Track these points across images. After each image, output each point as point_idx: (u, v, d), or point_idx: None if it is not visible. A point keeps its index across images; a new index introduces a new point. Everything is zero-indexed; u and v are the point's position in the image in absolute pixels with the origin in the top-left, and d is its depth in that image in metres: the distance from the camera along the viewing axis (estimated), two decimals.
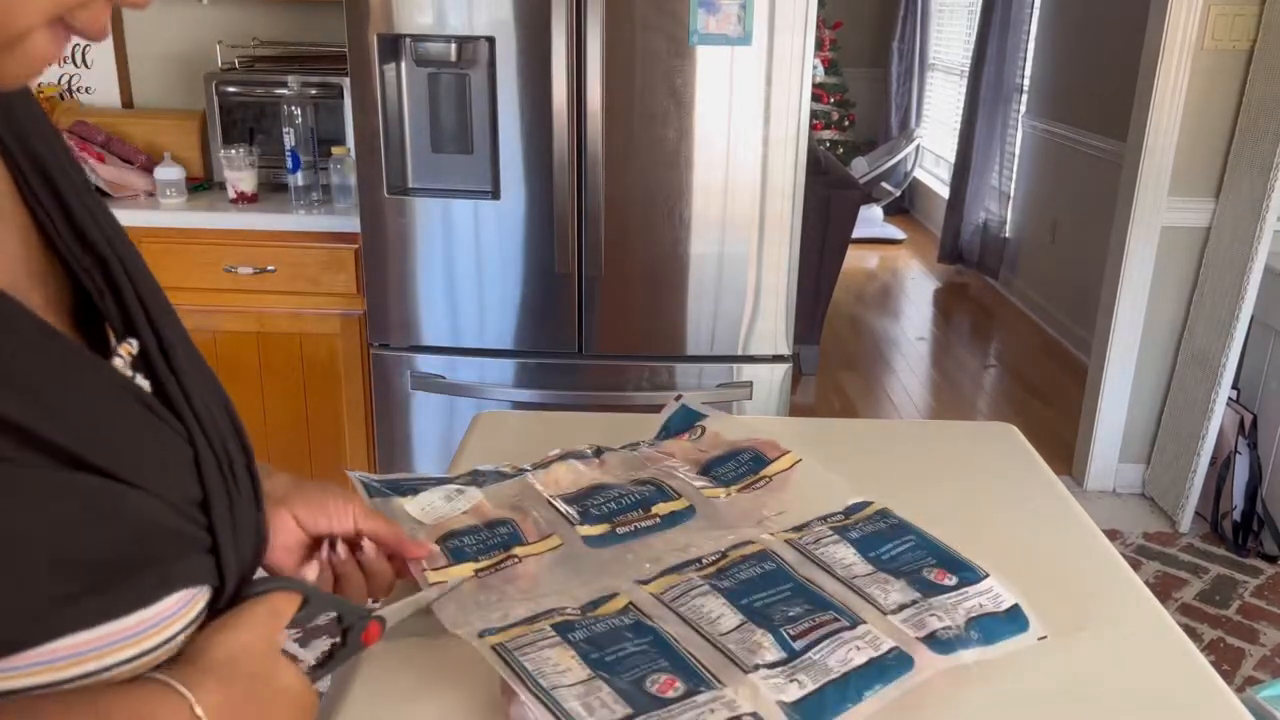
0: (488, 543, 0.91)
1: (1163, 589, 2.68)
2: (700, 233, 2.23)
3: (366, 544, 0.81)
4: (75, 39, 0.53)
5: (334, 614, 0.72)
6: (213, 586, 0.61)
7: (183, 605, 0.59)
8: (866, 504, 1.00)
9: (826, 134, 6.47)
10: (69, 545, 0.52)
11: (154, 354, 0.61)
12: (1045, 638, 0.83)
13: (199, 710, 0.57)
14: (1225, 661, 2.40)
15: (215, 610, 0.62)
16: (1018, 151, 5.25)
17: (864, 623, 0.80)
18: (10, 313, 0.53)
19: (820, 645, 0.77)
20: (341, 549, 0.80)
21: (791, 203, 2.21)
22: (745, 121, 2.16)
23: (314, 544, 0.80)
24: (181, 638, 0.59)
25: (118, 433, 0.56)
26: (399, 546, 0.84)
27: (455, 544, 0.90)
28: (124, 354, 0.60)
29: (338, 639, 0.73)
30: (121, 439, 0.56)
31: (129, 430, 0.57)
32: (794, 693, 0.73)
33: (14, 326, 0.52)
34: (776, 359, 2.33)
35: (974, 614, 0.83)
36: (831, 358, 4.36)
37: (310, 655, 0.71)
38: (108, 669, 0.55)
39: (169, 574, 0.57)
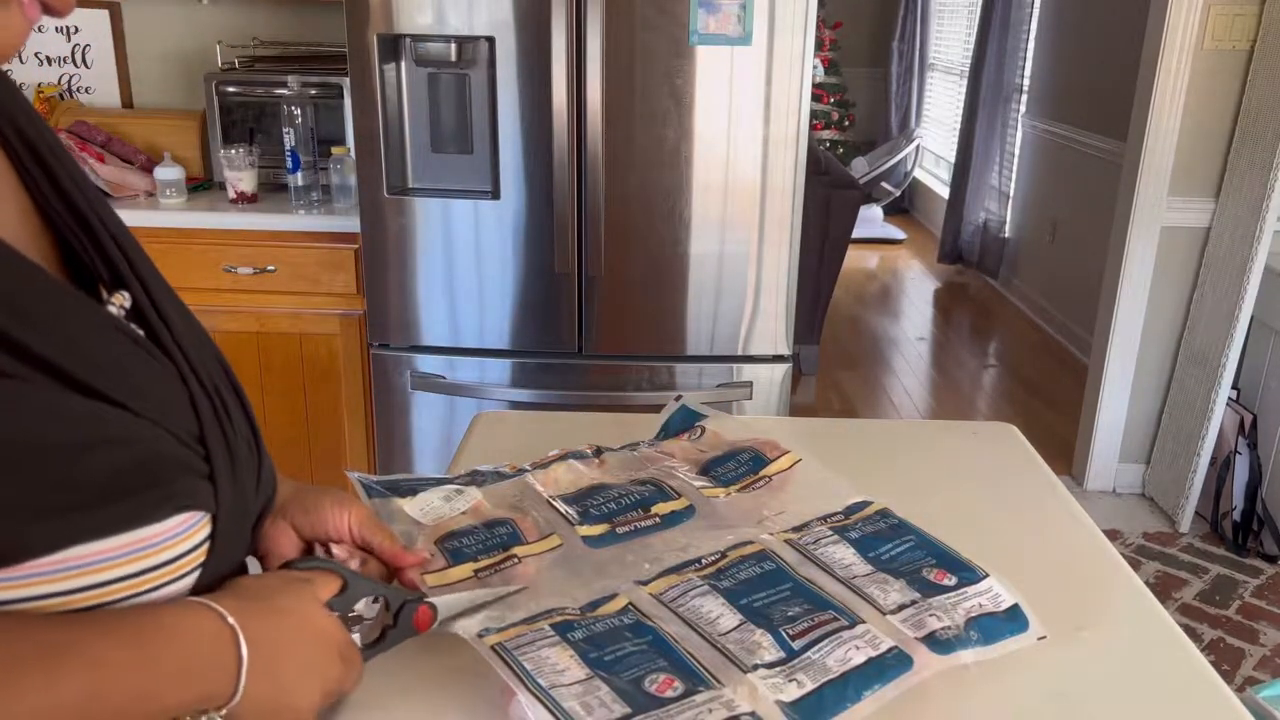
0: (487, 543, 0.91)
1: (1163, 589, 2.68)
2: (700, 233, 2.23)
3: (335, 549, 0.81)
4: (48, 18, 0.57)
5: (373, 598, 0.74)
6: (210, 514, 0.63)
7: (184, 529, 0.61)
8: (866, 504, 1.00)
9: (826, 134, 6.47)
10: (78, 463, 0.55)
11: (144, 305, 0.65)
12: (1045, 638, 0.83)
13: (230, 619, 0.61)
14: (1225, 661, 2.40)
15: (213, 552, 0.64)
16: (1018, 151, 5.25)
17: (863, 622, 0.80)
18: (10, 255, 0.56)
19: (819, 645, 0.77)
20: (338, 550, 0.80)
21: (791, 203, 2.21)
22: (745, 121, 2.16)
23: (310, 549, 0.80)
24: (182, 563, 0.61)
25: (119, 366, 0.60)
26: (394, 558, 0.84)
27: (454, 544, 0.90)
28: (116, 304, 0.64)
29: (390, 621, 0.75)
30: (122, 372, 0.60)
31: (129, 365, 0.61)
32: (793, 692, 0.73)
33: (15, 268, 0.56)
34: (776, 359, 2.33)
35: (973, 614, 0.83)
36: (831, 358, 4.36)
37: (358, 637, 0.73)
38: (108, 583, 0.57)
39: (170, 493, 0.60)
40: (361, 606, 0.74)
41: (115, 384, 0.58)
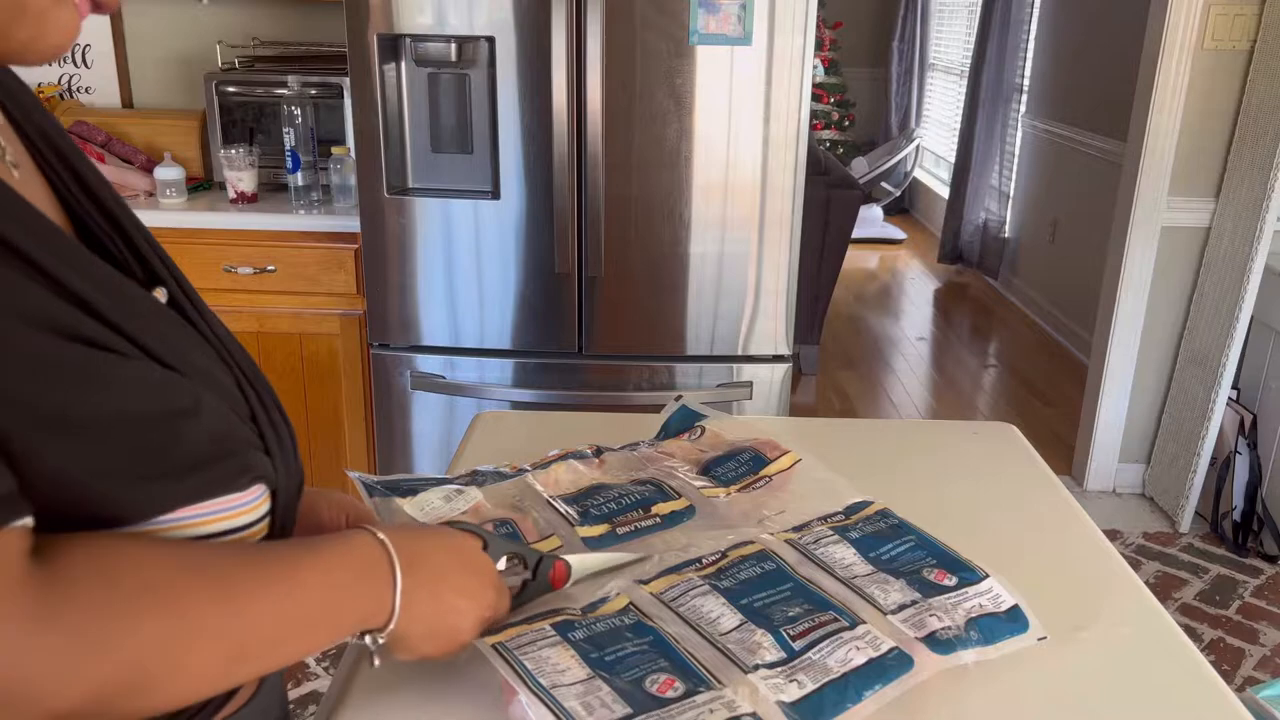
0: None
1: (1163, 589, 2.68)
2: (700, 233, 2.23)
3: None
4: (91, 15, 0.59)
5: (510, 556, 0.80)
6: (271, 489, 0.67)
7: (254, 498, 0.65)
8: (866, 504, 1.00)
9: (826, 134, 6.47)
10: (171, 432, 0.59)
11: (180, 300, 0.67)
12: (1045, 639, 0.83)
13: (382, 535, 0.68)
14: (1225, 661, 2.40)
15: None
16: (1018, 151, 5.25)
17: (864, 623, 0.80)
18: (80, 248, 0.60)
19: (820, 645, 0.77)
20: None
21: (791, 203, 2.21)
22: (745, 121, 2.16)
23: None
24: (251, 532, 0.65)
25: (184, 347, 0.63)
26: None
27: None
28: (158, 296, 0.66)
29: (529, 575, 0.81)
30: (187, 352, 0.63)
31: (189, 345, 0.64)
32: (794, 693, 0.73)
33: (87, 258, 0.59)
34: (776, 359, 2.33)
35: (974, 614, 0.83)
36: (831, 358, 4.36)
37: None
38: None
39: (246, 464, 0.64)
40: (501, 566, 0.79)
41: (185, 363, 0.62)
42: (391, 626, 0.67)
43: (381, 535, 0.68)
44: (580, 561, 0.85)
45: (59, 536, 0.54)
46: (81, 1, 0.58)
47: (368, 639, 0.68)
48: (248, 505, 0.64)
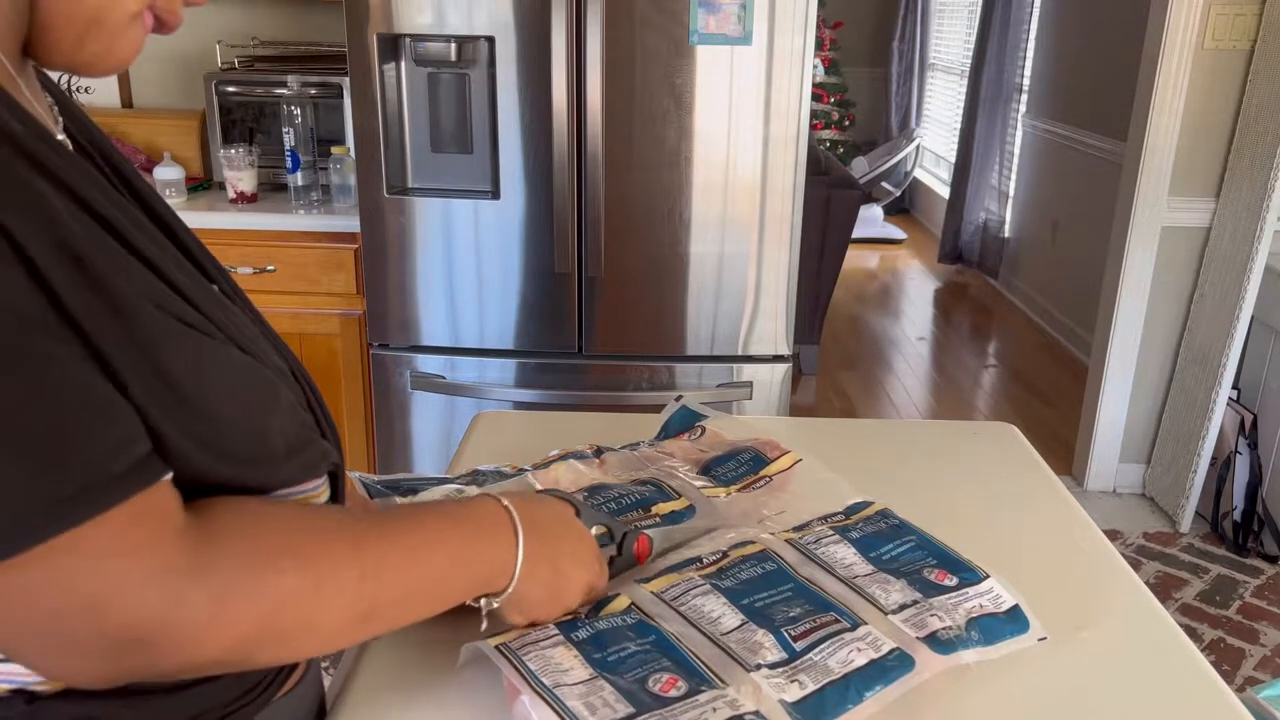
0: None
1: (1163, 589, 2.68)
2: (700, 233, 2.23)
3: None
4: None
5: (599, 527, 0.83)
6: (331, 474, 0.70)
7: (321, 483, 0.69)
8: (867, 504, 1.00)
9: (826, 134, 6.47)
10: (264, 418, 0.62)
11: (233, 296, 0.70)
12: (1045, 639, 0.83)
13: (506, 502, 0.72)
14: (1225, 661, 2.40)
15: None
16: (1018, 151, 5.25)
17: (865, 624, 0.80)
18: (161, 238, 0.62)
19: (821, 646, 0.77)
20: None
21: (791, 203, 2.21)
22: (745, 121, 2.16)
23: None
24: None
25: (250, 335, 0.66)
26: None
27: None
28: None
29: (614, 551, 0.83)
30: (254, 340, 0.66)
31: (253, 335, 0.67)
32: (795, 693, 0.73)
33: (168, 249, 0.62)
34: (776, 359, 2.33)
35: (974, 614, 0.83)
36: (831, 358, 4.36)
37: None
38: None
39: (323, 450, 0.68)
40: (595, 532, 0.82)
41: (258, 352, 0.64)
42: (510, 589, 0.71)
43: (505, 501, 0.72)
44: (661, 534, 0.88)
45: (206, 498, 0.58)
46: (148, 19, 0.60)
47: (482, 601, 0.72)
48: (317, 489, 0.68)
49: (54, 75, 0.67)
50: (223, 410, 0.58)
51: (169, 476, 0.54)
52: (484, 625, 0.73)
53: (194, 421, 0.56)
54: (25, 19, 0.56)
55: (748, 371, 2.33)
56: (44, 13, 0.56)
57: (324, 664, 0.80)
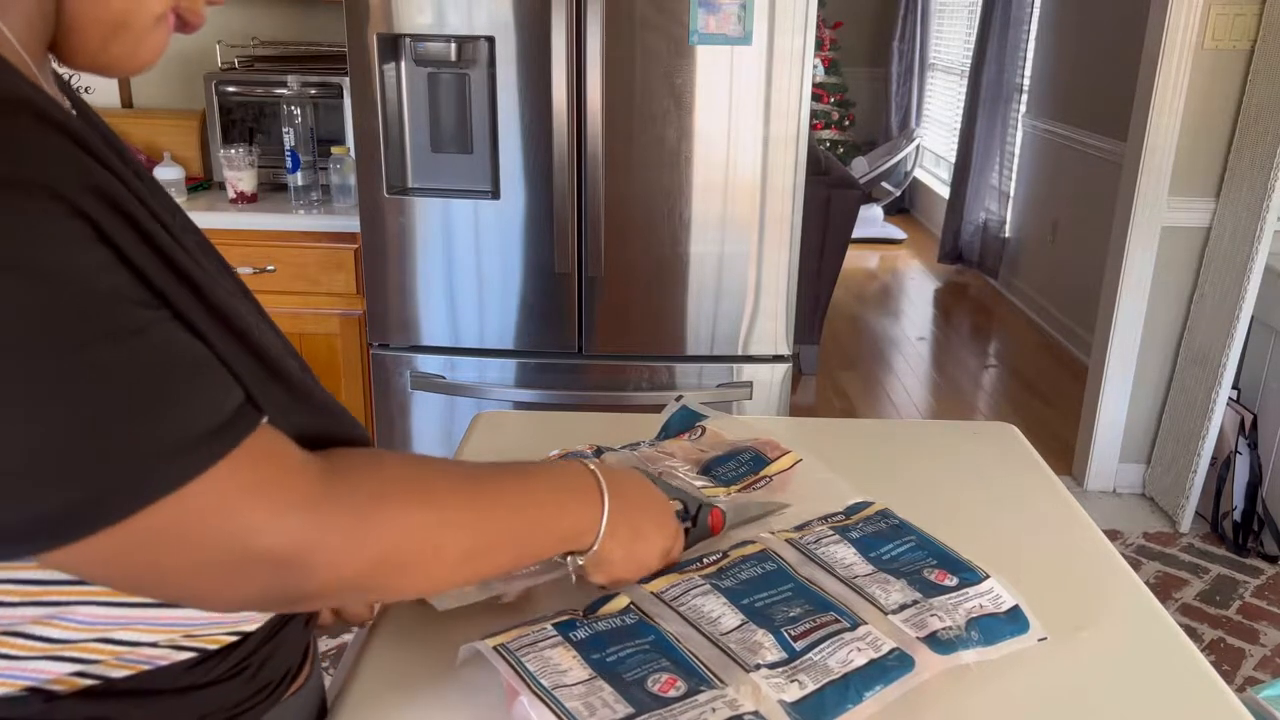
0: None
1: (1163, 589, 2.68)
2: (700, 233, 2.23)
3: None
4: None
5: (680, 503, 0.86)
6: None
7: None
8: (867, 504, 1.00)
9: (826, 134, 6.47)
10: (307, 398, 0.65)
11: (240, 296, 0.73)
12: (1045, 639, 0.83)
13: (591, 465, 0.77)
14: (1225, 661, 2.40)
15: None
16: (1018, 151, 5.25)
17: (865, 624, 0.80)
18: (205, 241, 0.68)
19: (821, 646, 0.77)
20: None
21: (791, 203, 2.21)
22: (745, 121, 2.16)
23: None
24: None
25: (268, 332, 0.69)
26: None
27: None
28: None
29: (689, 523, 0.87)
30: (273, 337, 0.69)
31: (265, 332, 0.69)
32: (794, 693, 0.73)
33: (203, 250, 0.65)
34: (776, 359, 2.33)
35: (974, 614, 0.83)
36: (831, 358, 4.36)
37: None
38: None
39: (358, 435, 0.69)
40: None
41: (274, 349, 0.66)
42: (596, 547, 0.76)
43: (591, 465, 0.78)
44: (733, 507, 0.92)
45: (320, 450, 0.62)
46: (172, 21, 0.61)
47: (569, 560, 0.77)
48: None
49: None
50: (271, 383, 0.61)
51: (266, 419, 0.58)
52: (574, 580, 0.78)
53: (265, 374, 0.60)
54: (51, 22, 0.57)
55: (748, 371, 2.33)
56: (70, 15, 0.57)
57: (324, 664, 0.80)
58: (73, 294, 0.48)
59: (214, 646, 0.63)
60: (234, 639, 0.64)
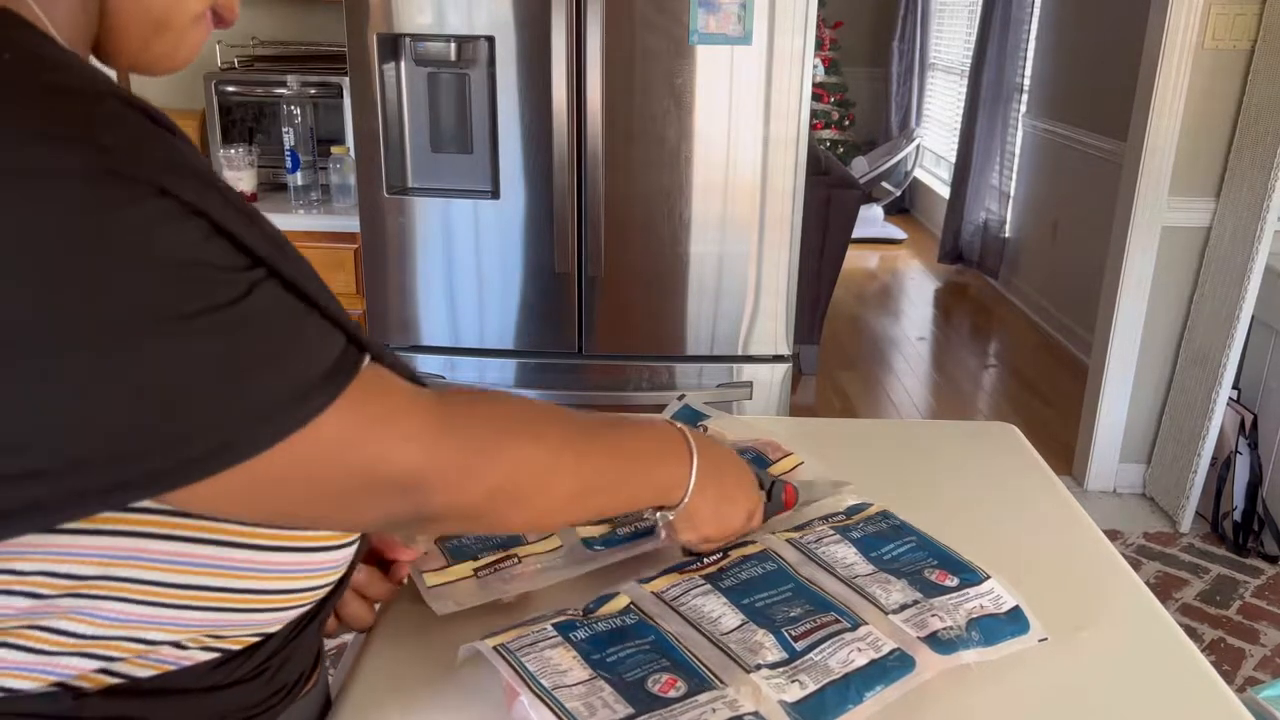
0: (487, 542, 0.91)
1: (1163, 589, 2.68)
2: (700, 233, 2.23)
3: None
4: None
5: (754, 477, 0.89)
6: None
7: None
8: (867, 505, 1.00)
9: (826, 134, 6.47)
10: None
11: None
12: (1046, 639, 0.83)
13: (679, 425, 0.80)
14: (1225, 661, 2.40)
15: None
16: (1018, 151, 5.25)
17: (865, 624, 0.80)
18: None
19: (821, 646, 0.77)
20: None
21: (791, 203, 2.21)
22: (745, 121, 2.15)
23: None
24: None
25: None
26: (387, 546, 0.86)
27: (455, 543, 0.90)
28: None
29: (765, 498, 0.90)
30: None
31: None
32: (795, 693, 0.73)
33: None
34: (776, 359, 2.33)
35: (975, 615, 0.83)
36: (831, 358, 4.36)
37: None
38: None
39: None
40: None
41: None
42: (685, 501, 0.79)
43: (679, 425, 0.81)
44: (804, 487, 0.96)
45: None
46: (209, 19, 0.63)
47: (658, 515, 0.80)
48: None
49: None
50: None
51: (369, 357, 0.60)
52: (662, 535, 0.83)
53: (348, 323, 0.61)
54: (95, 23, 0.58)
55: (748, 371, 2.33)
56: (113, 16, 0.58)
57: (324, 664, 0.80)
58: (188, 268, 0.50)
59: (238, 647, 0.63)
60: (257, 640, 0.64)
